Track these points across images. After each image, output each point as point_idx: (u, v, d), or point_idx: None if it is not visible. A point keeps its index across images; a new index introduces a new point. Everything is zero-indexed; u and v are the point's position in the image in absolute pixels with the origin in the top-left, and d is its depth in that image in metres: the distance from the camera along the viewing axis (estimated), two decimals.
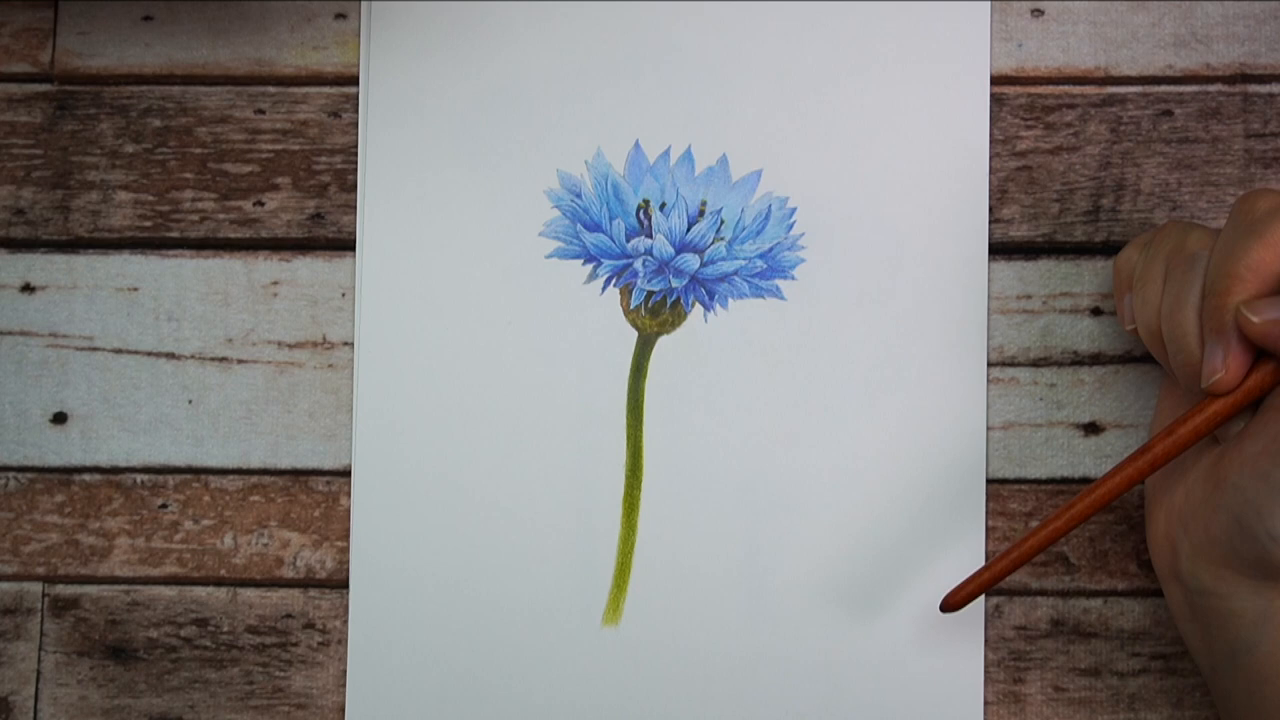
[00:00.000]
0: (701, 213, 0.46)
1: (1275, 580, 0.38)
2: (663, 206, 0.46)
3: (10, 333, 0.47)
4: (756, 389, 0.45)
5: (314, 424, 0.46)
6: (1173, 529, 0.40)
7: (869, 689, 0.44)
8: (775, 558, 0.45)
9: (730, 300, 0.46)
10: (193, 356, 0.46)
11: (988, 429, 0.45)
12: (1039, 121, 0.46)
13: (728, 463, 0.45)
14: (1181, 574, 0.40)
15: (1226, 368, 0.38)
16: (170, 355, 0.46)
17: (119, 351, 0.47)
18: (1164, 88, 0.46)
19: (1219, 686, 0.40)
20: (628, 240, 0.46)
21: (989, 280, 0.45)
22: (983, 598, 0.44)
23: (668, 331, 0.46)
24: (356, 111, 0.47)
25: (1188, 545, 0.39)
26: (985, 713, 0.44)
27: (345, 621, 0.46)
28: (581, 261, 0.46)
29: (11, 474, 0.46)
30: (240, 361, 0.46)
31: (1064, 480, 0.45)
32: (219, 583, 0.46)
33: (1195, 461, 0.40)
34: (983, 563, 0.44)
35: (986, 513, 0.45)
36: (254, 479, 0.46)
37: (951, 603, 0.41)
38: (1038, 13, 0.46)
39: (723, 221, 0.46)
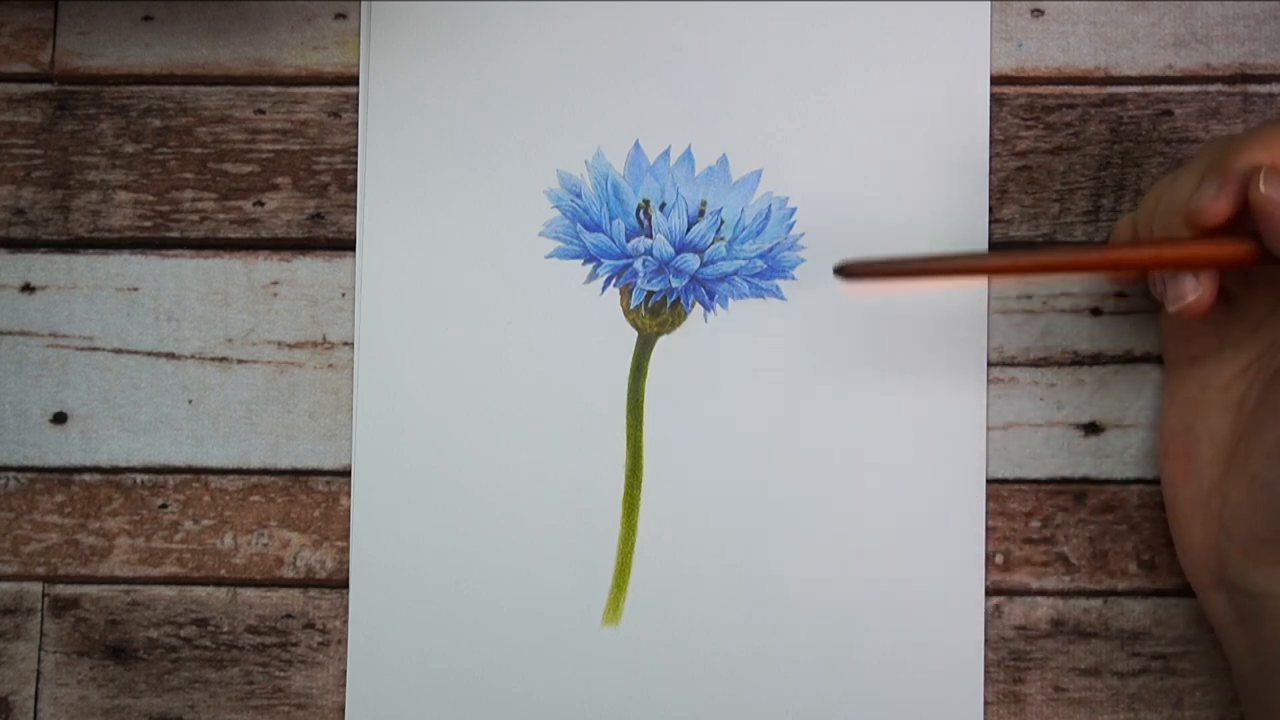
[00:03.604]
0: (701, 213, 0.46)
1: None
2: (663, 206, 0.46)
3: (10, 333, 0.47)
4: (756, 389, 0.45)
5: (314, 424, 0.46)
6: (1215, 537, 0.40)
7: (869, 689, 0.44)
8: (775, 558, 0.45)
9: (730, 300, 0.46)
10: (193, 356, 0.46)
11: (988, 429, 0.45)
12: (1039, 121, 0.46)
13: (728, 462, 0.45)
14: (1230, 581, 0.39)
15: (1218, 199, 0.37)
16: (170, 355, 0.46)
17: (119, 351, 0.47)
18: (1164, 88, 0.46)
19: (1264, 693, 0.39)
20: (628, 240, 0.46)
21: (989, 280, 0.45)
22: (983, 598, 0.44)
23: (668, 331, 0.46)
24: (356, 111, 0.47)
25: (1235, 551, 0.39)
26: (985, 713, 0.44)
27: (345, 621, 0.46)
28: (581, 261, 0.46)
29: (11, 474, 0.46)
30: (240, 361, 0.46)
31: (1064, 480, 0.45)
32: (219, 583, 0.46)
33: (1225, 469, 0.40)
34: (983, 562, 0.44)
35: (986, 513, 0.45)
36: (254, 479, 0.46)
37: (850, 270, 0.40)
38: (1038, 13, 0.46)
39: (723, 221, 0.46)
